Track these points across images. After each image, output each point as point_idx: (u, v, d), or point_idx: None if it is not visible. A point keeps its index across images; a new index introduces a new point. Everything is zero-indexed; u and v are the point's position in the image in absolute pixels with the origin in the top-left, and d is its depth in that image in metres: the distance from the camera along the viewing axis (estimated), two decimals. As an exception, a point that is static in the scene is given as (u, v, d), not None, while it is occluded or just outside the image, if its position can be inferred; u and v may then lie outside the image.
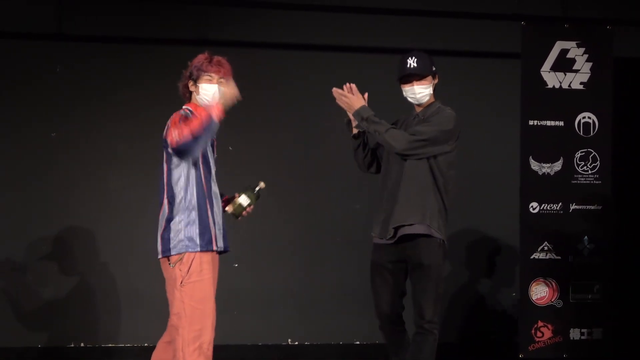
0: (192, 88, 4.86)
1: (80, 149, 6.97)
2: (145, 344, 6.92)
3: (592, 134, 6.98)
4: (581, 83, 6.98)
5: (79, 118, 6.98)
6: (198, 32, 7.11)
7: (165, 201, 4.72)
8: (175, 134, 4.55)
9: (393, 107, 7.28)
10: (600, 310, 6.91)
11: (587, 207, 6.95)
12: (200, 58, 4.85)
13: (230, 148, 7.12)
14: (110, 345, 6.91)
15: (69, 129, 6.97)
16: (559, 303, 6.87)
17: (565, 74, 6.96)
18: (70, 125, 6.97)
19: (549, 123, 6.93)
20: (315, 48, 7.29)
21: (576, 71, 6.97)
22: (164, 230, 4.68)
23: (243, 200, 4.92)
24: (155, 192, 7.03)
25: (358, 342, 7.20)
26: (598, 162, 6.97)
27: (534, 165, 6.83)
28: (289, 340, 7.14)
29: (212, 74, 4.82)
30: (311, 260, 7.19)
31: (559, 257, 6.89)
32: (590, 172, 6.96)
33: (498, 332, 7.30)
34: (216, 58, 4.86)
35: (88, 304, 6.89)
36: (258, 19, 7.17)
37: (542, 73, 6.93)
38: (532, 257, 6.85)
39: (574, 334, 6.87)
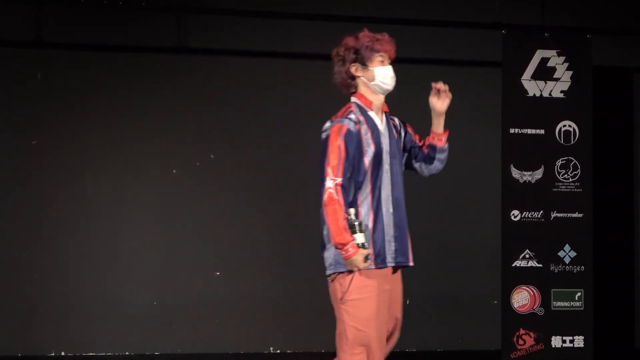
0: (358, 73, 4.12)
1: (60, 156, 6.94)
2: (127, 353, 6.90)
3: (572, 142, 7.00)
4: (561, 91, 7.00)
5: (59, 125, 6.95)
6: (178, 40, 7.10)
7: None
8: (326, 176, 4.05)
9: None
10: (582, 318, 6.91)
11: (568, 214, 6.96)
12: (367, 36, 4.12)
13: (212, 156, 7.11)
14: (91, 354, 6.87)
15: (49, 137, 6.94)
16: (540, 311, 6.87)
17: (545, 83, 6.98)
18: (51, 132, 6.94)
19: (529, 131, 6.95)
20: (297, 56, 7.28)
21: (556, 80, 6.99)
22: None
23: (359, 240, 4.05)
24: (134, 201, 7.08)
25: (340, 351, 7.19)
26: (579, 170, 6.99)
27: (515, 173, 6.84)
28: (271, 348, 7.12)
29: (384, 54, 4.13)
30: (293, 267, 7.17)
31: (541, 265, 6.89)
32: (571, 180, 6.98)
33: (479, 340, 7.30)
34: (384, 35, 4.17)
35: (68, 312, 6.85)
36: (238, 28, 7.17)
37: (522, 81, 6.95)
38: (513, 264, 6.85)
39: (556, 341, 6.88)
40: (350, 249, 3.97)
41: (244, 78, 7.21)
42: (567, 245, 6.92)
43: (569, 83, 7.01)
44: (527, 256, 6.78)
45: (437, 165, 4.34)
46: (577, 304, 6.91)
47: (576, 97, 7.00)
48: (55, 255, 6.89)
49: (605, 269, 7.40)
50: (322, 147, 4.12)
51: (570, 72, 7.00)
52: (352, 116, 4.10)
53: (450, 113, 7.26)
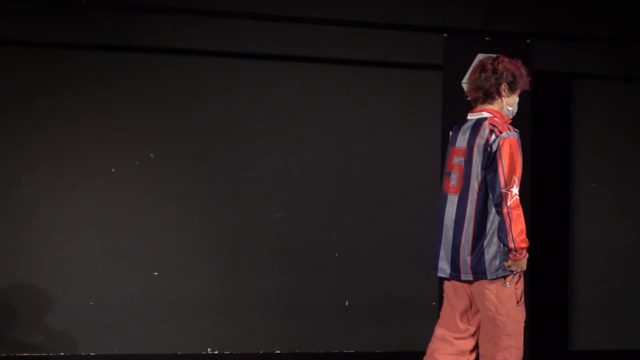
0: (504, 93, 4.57)
1: (-5, 154, 6.86)
2: (62, 354, 6.82)
3: (511, 145, 7.06)
4: (501, 95, 7.05)
5: (-4, 122, 6.86)
6: (122, 38, 7.04)
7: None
8: (513, 183, 4.41)
9: (313, 117, 7.34)
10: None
11: (506, 217, 7.01)
12: (525, 69, 4.62)
13: (151, 155, 7.06)
14: (25, 354, 6.78)
15: (-15, 134, 6.85)
16: (477, 312, 6.92)
17: (486, 87, 7.03)
18: (-13, 129, 6.84)
19: (469, 134, 6.99)
20: (239, 56, 7.27)
21: (496, 84, 7.05)
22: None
23: None
24: (72, 200, 6.99)
25: (278, 351, 7.19)
26: (517, 174, 7.05)
27: (454, 176, 6.88)
28: (209, 349, 7.09)
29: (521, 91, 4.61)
30: (231, 268, 7.16)
31: (478, 267, 6.94)
32: (509, 183, 7.04)
33: (418, 341, 7.33)
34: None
35: (2, 312, 6.76)
36: (181, 26, 7.13)
37: (463, 85, 6.99)
38: (451, 266, 6.89)
39: (492, 342, 6.93)
40: (524, 252, 4.48)
41: (185, 77, 7.17)
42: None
43: (509, 87, 7.06)
44: (465, 258, 6.83)
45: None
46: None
47: (515, 101, 7.07)
48: (-10, 253, 6.80)
49: (540, 270, 7.48)
50: (501, 154, 4.42)
51: (510, 77, 7.06)
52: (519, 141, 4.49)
53: (391, 116, 7.39)
